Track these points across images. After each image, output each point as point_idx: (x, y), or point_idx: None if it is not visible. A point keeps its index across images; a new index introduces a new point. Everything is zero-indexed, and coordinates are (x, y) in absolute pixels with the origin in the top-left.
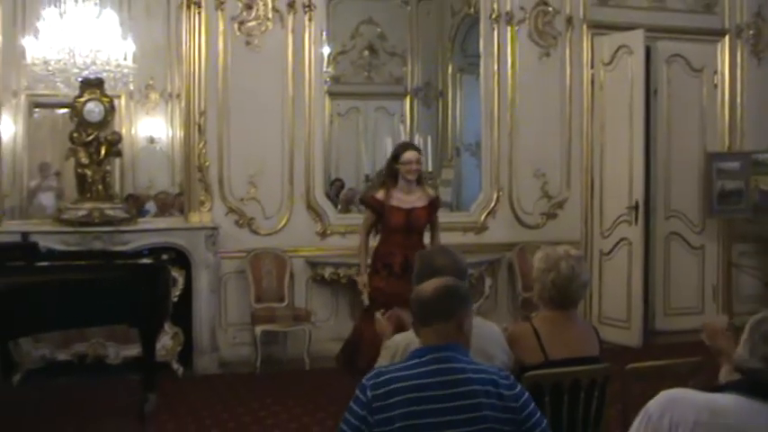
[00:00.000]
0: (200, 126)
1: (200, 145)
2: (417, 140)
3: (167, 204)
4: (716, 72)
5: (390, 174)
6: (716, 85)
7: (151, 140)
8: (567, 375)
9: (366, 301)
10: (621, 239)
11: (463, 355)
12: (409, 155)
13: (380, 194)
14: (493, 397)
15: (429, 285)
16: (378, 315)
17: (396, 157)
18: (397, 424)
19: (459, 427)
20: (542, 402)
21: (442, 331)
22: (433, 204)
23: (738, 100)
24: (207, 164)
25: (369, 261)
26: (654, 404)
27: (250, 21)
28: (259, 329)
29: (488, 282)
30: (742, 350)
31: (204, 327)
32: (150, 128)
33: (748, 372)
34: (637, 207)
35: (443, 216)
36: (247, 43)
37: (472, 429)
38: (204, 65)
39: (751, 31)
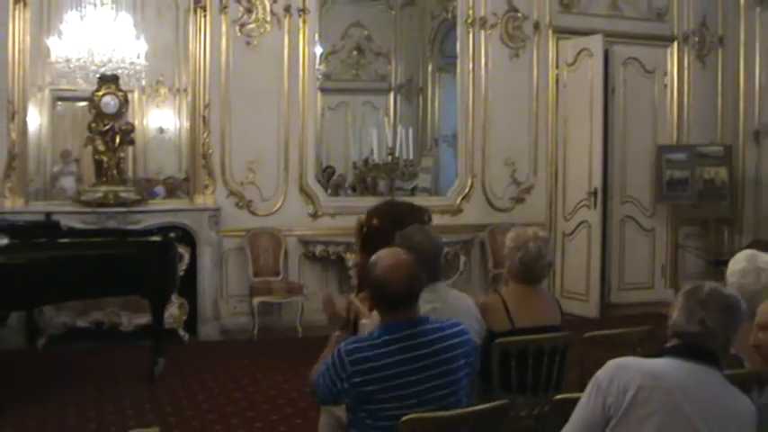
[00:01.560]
0: (204, 118)
1: (205, 135)
2: (400, 132)
3: (174, 188)
4: (666, 74)
5: None
6: (666, 86)
7: (161, 131)
8: (532, 342)
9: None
10: (582, 222)
11: (428, 323)
12: None
13: None
14: (464, 351)
15: (394, 273)
16: (352, 297)
17: None
18: (378, 395)
19: (440, 390)
20: (509, 366)
21: (413, 311)
22: None
23: (685, 99)
24: (210, 151)
25: None
26: (602, 372)
27: (250, 23)
28: (256, 301)
29: (463, 259)
30: (678, 317)
31: (207, 298)
32: (160, 119)
33: (686, 336)
34: (595, 193)
35: (423, 200)
36: (247, 43)
37: (453, 389)
38: (209, 63)
39: (696, 38)
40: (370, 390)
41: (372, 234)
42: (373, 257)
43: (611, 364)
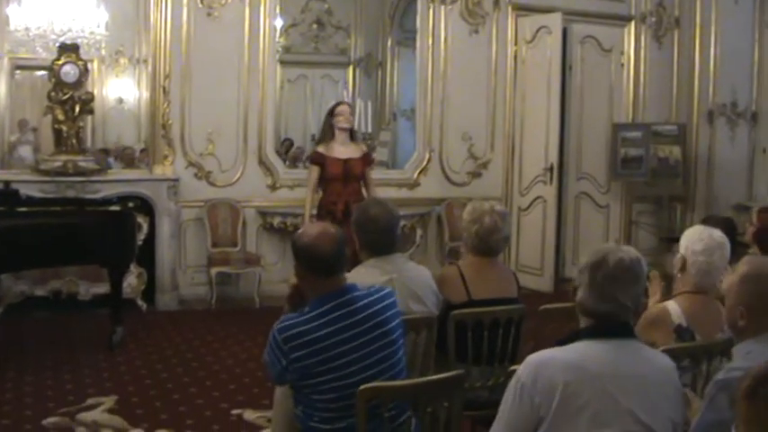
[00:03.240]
0: (164, 88)
1: (165, 105)
2: (359, 105)
3: (132, 158)
4: (623, 53)
5: (328, 128)
6: (622, 65)
7: (120, 101)
8: (488, 314)
9: None
10: (537, 197)
11: (357, 290)
12: (341, 108)
13: (321, 149)
14: (395, 314)
15: (321, 240)
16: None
17: (331, 112)
18: (317, 369)
19: (378, 353)
20: (465, 337)
21: (339, 280)
22: (366, 157)
23: (641, 78)
24: (170, 122)
25: (314, 212)
26: (524, 372)
27: None
28: (214, 271)
29: (419, 232)
30: (588, 296)
31: (166, 268)
32: (119, 89)
33: (599, 315)
34: (551, 169)
35: (381, 173)
36: (209, 14)
37: (390, 351)
38: (169, 33)
39: (653, 18)
40: (308, 363)
41: None
42: (299, 231)
43: (532, 361)
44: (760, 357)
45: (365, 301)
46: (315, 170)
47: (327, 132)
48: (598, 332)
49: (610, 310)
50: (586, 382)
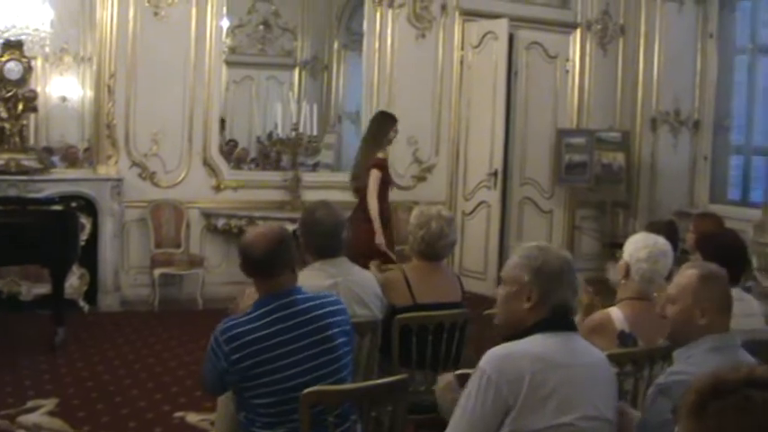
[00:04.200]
0: (109, 87)
1: (109, 104)
2: (304, 108)
3: (76, 158)
4: (568, 59)
5: (386, 138)
6: (567, 71)
7: (64, 99)
8: (432, 318)
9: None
10: (481, 202)
11: (300, 293)
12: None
13: (382, 155)
14: (339, 320)
15: (257, 241)
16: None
17: (393, 124)
18: (257, 370)
19: (319, 358)
20: (410, 341)
21: (284, 280)
22: None
23: (586, 84)
24: (114, 122)
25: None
26: (488, 365)
27: None
28: (158, 272)
29: None
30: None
31: (108, 268)
32: (63, 88)
33: (552, 308)
34: (496, 174)
35: (325, 176)
36: (155, 14)
37: (331, 357)
38: (115, 32)
39: (599, 26)
40: (249, 364)
41: None
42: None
43: (495, 355)
44: (701, 361)
45: (307, 304)
46: (380, 176)
47: (384, 141)
48: (552, 325)
49: (560, 303)
50: (551, 371)
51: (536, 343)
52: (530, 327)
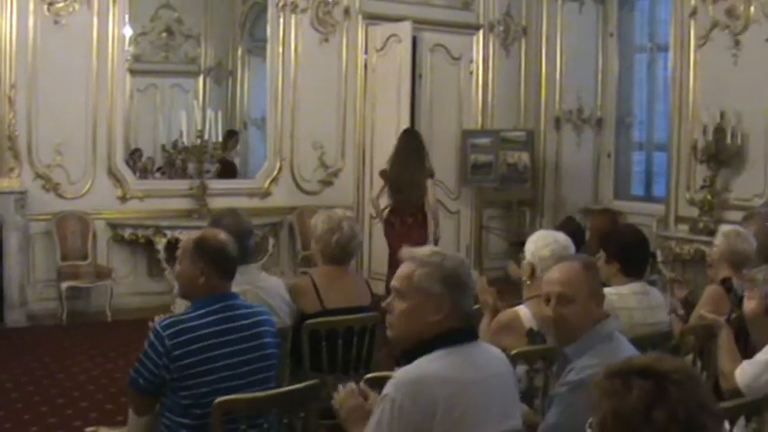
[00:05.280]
0: (10, 98)
1: (11, 116)
2: (209, 114)
3: None
4: (471, 61)
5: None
6: (471, 72)
7: None
8: (342, 323)
9: None
10: (388, 205)
11: (239, 299)
12: None
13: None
14: (270, 331)
15: (229, 244)
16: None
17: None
18: (197, 368)
19: (253, 364)
20: (320, 347)
21: (229, 283)
22: None
23: (490, 85)
24: (16, 133)
25: None
26: (398, 393)
27: (58, 2)
28: (65, 285)
29: (272, 241)
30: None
31: (14, 283)
32: None
33: (463, 317)
34: None
35: (233, 183)
36: (56, 23)
37: (264, 365)
38: (15, 42)
39: (501, 27)
40: (190, 362)
41: None
42: (199, 236)
43: (404, 381)
44: (608, 353)
45: (246, 310)
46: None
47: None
48: (454, 339)
49: (458, 316)
50: (463, 391)
51: (444, 362)
52: (431, 339)
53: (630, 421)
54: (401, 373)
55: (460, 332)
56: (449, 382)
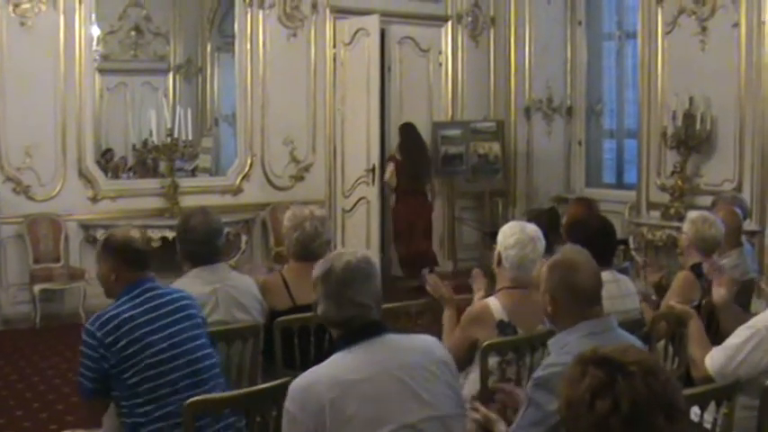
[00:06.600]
0: None
1: None
2: (179, 112)
3: None
4: (440, 52)
5: None
6: (440, 64)
7: None
8: (313, 319)
9: None
10: (361, 198)
11: (156, 282)
12: None
13: None
14: (193, 305)
15: (134, 238)
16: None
17: None
18: (133, 348)
19: (184, 333)
20: (292, 344)
21: (147, 273)
22: None
23: (459, 77)
24: None
25: None
26: (290, 403)
27: (24, 3)
28: (37, 288)
29: (244, 238)
30: (327, 308)
31: None
32: None
33: (345, 322)
34: (374, 170)
35: (204, 180)
36: (22, 24)
37: (195, 333)
38: None
39: (469, 18)
40: (124, 344)
41: None
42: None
43: (295, 388)
44: (576, 348)
45: (168, 290)
46: None
47: None
48: (349, 340)
49: (351, 314)
50: (350, 392)
51: (334, 364)
52: (335, 345)
53: (577, 409)
54: (293, 383)
55: (353, 331)
56: (335, 384)
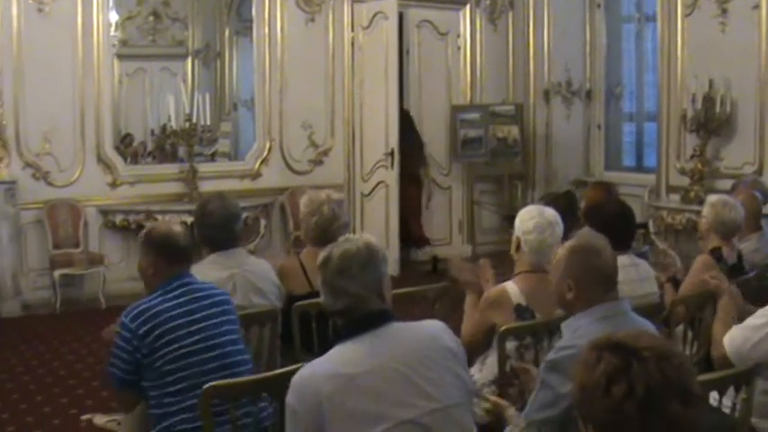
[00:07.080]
0: None
1: None
2: (197, 97)
3: None
4: (459, 36)
5: None
6: (459, 47)
7: None
8: None
9: None
10: (379, 182)
11: (196, 279)
12: None
13: None
14: (228, 300)
15: (176, 233)
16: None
17: None
18: (166, 338)
19: (217, 328)
20: (310, 328)
21: (185, 269)
22: None
23: (478, 60)
24: (4, 123)
25: None
26: (291, 398)
27: None
28: (57, 273)
29: (263, 222)
30: (323, 296)
31: (7, 273)
32: None
33: (342, 312)
34: (392, 153)
35: (223, 165)
36: (39, 10)
37: (228, 328)
38: None
39: (487, 1)
40: (156, 334)
41: None
42: (146, 230)
43: (295, 384)
44: (588, 332)
45: (205, 287)
46: None
47: None
48: (350, 332)
49: (347, 304)
50: (347, 387)
51: (333, 358)
52: (337, 338)
53: (592, 394)
54: (294, 377)
55: (352, 322)
56: (333, 377)
